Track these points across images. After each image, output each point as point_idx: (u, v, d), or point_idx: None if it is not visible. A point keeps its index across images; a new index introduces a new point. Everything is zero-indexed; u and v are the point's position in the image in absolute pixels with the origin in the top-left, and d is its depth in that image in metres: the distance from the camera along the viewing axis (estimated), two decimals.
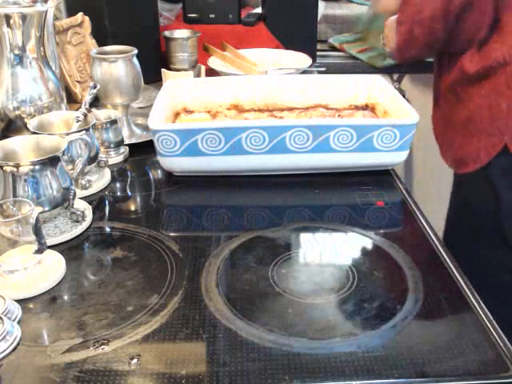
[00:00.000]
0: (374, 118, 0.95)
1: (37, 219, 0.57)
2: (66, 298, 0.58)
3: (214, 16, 1.39)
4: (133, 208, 0.78)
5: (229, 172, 0.83)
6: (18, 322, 0.54)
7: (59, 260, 0.63)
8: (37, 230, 0.58)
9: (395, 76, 1.53)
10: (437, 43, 0.87)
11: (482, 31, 0.82)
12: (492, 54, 0.83)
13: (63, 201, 0.68)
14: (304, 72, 1.21)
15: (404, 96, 1.52)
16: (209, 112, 0.97)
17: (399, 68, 1.51)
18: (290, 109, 0.98)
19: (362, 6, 1.77)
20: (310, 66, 1.23)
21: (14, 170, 0.63)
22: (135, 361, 0.50)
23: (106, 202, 0.78)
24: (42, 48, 0.88)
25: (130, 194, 0.81)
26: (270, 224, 0.72)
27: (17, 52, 0.85)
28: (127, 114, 0.97)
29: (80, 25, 1.12)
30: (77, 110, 0.81)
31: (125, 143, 0.92)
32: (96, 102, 0.98)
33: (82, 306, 0.57)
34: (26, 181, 0.64)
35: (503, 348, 0.51)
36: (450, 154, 0.97)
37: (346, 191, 0.80)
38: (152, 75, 1.20)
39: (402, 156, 0.82)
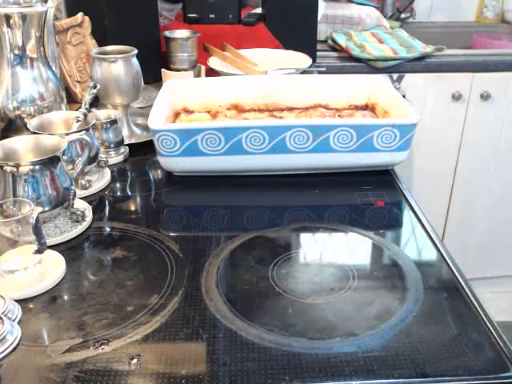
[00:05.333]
0: (374, 118, 0.95)
1: (37, 219, 0.57)
2: (66, 297, 0.58)
3: (213, 16, 1.39)
4: (133, 208, 0.78)
5: (229, 172, 0.83)
6: (18, 322, 0.54)
7: (59, 260, 0.63)
8: (37, 230, 0.58)
9: (395, 76, 1.53)
10: None
11: None
12: None
13: (63, 201, 0.68)
14: (304, 72, 1.21)
15: (404, 96, 1.52)
16: (209, 112, 0.97)
17: (399, 68, 1.51)
18: (290, 109, 0.98)
19: (362, 6, 1.77)
20: (310, 66, 1.23)
21: (14, 170, 0.63)
22: (135, 361, 0.50)
23: (106, 202, 0.78)
24: (41, 48, 0.88)
25: (130, 193, 0.81)
26: (269, 224, 0.72)
27: (17, 52, 0.85)
28: (127, 113, 0.97)
29: (80, 25, 1.12)
30: (77, 110, 0.81)
31: (125, 143, 0.92)
32: (96, 102, 0.98)
33: (82, 306, 0.57)
34: (26, 181, 0.64)
35: (503, 348, 0.51)
36: None
37: (346, 191, 0.80)
38: (152, 75, 1.20)
39: (402, 156, 0.82)
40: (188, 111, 0.97)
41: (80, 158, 0.76)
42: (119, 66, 0.91)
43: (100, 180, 0.82)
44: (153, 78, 1.22)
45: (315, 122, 0.80)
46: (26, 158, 0.68)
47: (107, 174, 0.83)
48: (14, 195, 0.64)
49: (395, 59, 1.49)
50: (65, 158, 0.76)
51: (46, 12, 0.87)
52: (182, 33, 1.20)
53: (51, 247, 0.65)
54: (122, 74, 0.92)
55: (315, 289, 0.59)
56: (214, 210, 0.75)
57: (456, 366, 0.49)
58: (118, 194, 0.81)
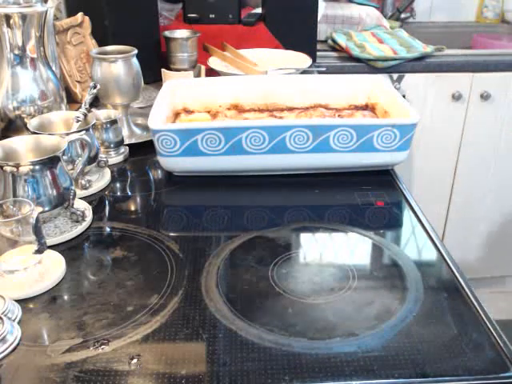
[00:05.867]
0: (374, 118, 0.95)
1: (37, 219, 0.57)
2: (66, 297, 0.58)
3: (213, 16, 1.39)
4: (133, 208, 0.78)
5: (229, 172, 0.83)
6: (18, 322, 0.54)
7: (59, 260, 0.63)
8: (37, 230, 0.58)
9: (395, 76, 1.53)
10: None
11: None
12: None
13: (63, 201, 0.68)
14: (304, 72, 1.21)
15: (404, 96, 1.52)
16: (209, 112, 0.97)
17: (399, 68, 1.51)
18: (290, 109, 0.98)
19: (362, 6, 1.77)
20: (310, 66, 1.23)
21: (14, 170, 0.63)
22: (135, 361, 0.50)
23: (106, 202, 0.78)
24: (41, 48, 0.88)
25: (130, 193, 0.81)
26: (269, 224, 0.72)
27: (17, 52, 0.85)
28: (127, 114, 0.97)
29: (80, 25, 1.12)
30: (77, 110, 0.81)
31: (125, 143, 0.92)
32: (96, 102, 0.98)
33: (82, 306, 0.57)
34: (26, 181, 0.64)
35: (503, 348, 0.51)
36: None
37: (346, 191, 0.80)
38: (152, 75, 1.20)
39: (402, 156, 0.82)
40: (188, 111, 0.97)
41: (80, 158, 0.76)
42: (119, 66, 0.91)
43: (100, 180, 0.82)
44: (153, 78, 1.22)
45: (315, 122, 0.80)
46: (26, 158, 0.68)
47: (107, 174, 0.83)
48: (14, 195, 0.64)
49: (395, 59, 1.49)
50: (65, 157, 0.76)
51: (46, 12, 0.87)
52: (181, 33, 1.20)
53: (51, 247, 0.65)
54: (122, 74, 0.92)
55: (315, 289, 0.59)
56: (214, 210, 0.75)
57: (456, 366, 0.49)
58: (118, 194, 0.81)
